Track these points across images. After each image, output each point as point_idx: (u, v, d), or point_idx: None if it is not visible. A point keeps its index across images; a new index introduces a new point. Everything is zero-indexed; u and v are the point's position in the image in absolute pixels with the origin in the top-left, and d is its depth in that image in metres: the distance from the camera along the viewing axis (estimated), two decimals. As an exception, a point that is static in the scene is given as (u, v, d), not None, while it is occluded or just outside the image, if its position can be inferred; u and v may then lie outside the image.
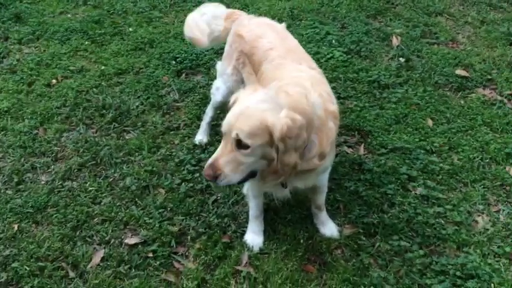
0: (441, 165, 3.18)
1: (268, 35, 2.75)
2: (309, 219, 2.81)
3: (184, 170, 3.13)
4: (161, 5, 5.15)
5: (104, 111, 3.62)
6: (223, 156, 2.09)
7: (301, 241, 2.68)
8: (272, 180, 2.24)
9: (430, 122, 3.57)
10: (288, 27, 4.37)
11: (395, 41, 4.50)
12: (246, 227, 2.73)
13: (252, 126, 2.04)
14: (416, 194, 2.99)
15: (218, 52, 4.25)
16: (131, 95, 3.79)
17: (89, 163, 3.17)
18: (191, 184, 3.02)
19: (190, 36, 3.19)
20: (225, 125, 2.11)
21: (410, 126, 3.52)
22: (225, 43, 3.06)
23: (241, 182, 2.26)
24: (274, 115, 2.04)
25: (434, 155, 3.28)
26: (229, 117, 2.11)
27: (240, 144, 2.06)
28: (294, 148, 2.09)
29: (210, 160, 2.12)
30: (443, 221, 2.82)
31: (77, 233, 2.74)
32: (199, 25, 3.12)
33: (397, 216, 2.83)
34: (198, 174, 3.08)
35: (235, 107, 2.14)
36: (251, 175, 2.20)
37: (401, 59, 4.27)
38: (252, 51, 2.72)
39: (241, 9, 5.00)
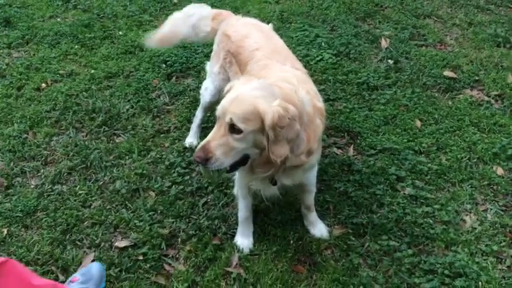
0: (429, 165, 3.22)
1: (254, 35, 2.77)
2: (299, 220, 2.83)
3: (174, 172, 3.13)
4: (151, 8, 5.16)
5: (94, 114, 3.62)
6: (215, 139, 2.10)
7: (291, 242, 2.70)
8: (262, 173, 2.25)
9: (418, 123, 3.60)
10: (278, 30, 4.41)
11: (384, 43, 4.54)
12: (236, 229, 2.74)
13: (246, 110, 2.06)
14: (404, 194, 3.02)
15: (208, 55, 4.26)
16: (121, 99, 3.79)
17: (79, 167, 3.17)
18: (181, 187, 3.02)
19: (162, 32, 3.23)
20: (219, 109, 2.13)
21: (399, 127, 3.55)
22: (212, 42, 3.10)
23: (232, 170, 2.25)
24: (267, 103, 2.07)
25: (423, 155, 3.32)
26: (224, 102, 2.13)
27: (233, 129, 2.08)
28: (286, 139, 2.11)
29: (202, 143, 2.12)
30: (431, 221, 2.85)
31: (67, 237, 2.73)
32: (178, 25, 3.17)
33: (386, 216, 2.85)
34: (188, 177, 3.09)
35: (230, 93, 2.16)
36: (242, 162, 2.20)
37: (389, 61, 4.31)
38: (239, 51, 2.74)
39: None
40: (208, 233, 2.74)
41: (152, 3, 5.24)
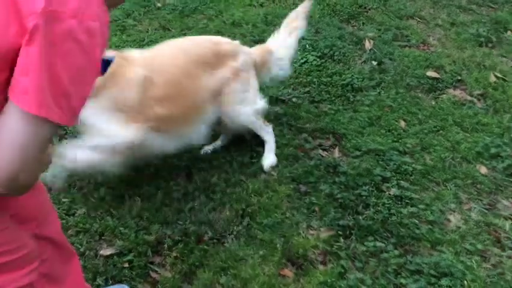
0: (414, 165, 3.24)
1: None
2: (286, 223, 2.83)
3: (159, 178, 3.11)
4: (135, 13, 5.12)
5: (77, 121, 3.57)
6: None
7: (278, 246, 2.69)
8: None
9: (403, 124, 3.63)
10: (263, 32, 4.43)
11: (368, 45, 4.57)
12: (223, 234, 2.73)
13: None
14: (390, 194, 3.04)
15: (193, 59, 4.25)
16: (105, 104, 3.75)
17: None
18: (167, 192, 3.00)
19: None
20: None
21: (383, 128, 3.58)
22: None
23: None
24: None
25: (407, 155, 3.34)
26: None
27: None
28: None
29: None
30: (416, 221, 2.87)
31: (51, 246, 2.69)
32: None
33: (372, 217, 2.87)
34: (173, 183, 3.07)
35: None
36: None
37: (373, 62, 4.34)
38: None
39: (215, 16, 5.05)
40: (194, 239, 2.72)
41: (136, 7, 5.21)
